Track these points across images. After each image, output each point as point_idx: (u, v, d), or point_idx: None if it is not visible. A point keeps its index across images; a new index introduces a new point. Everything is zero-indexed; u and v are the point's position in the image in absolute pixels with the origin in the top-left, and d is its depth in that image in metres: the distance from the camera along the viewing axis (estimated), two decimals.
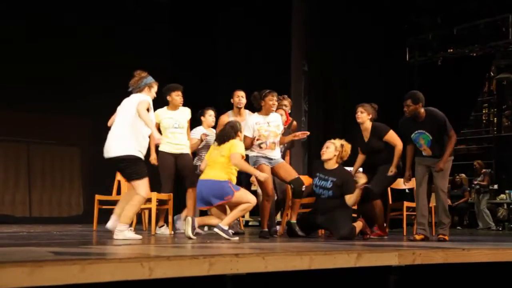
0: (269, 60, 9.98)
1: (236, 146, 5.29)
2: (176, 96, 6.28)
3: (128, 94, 5.25)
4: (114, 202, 6.82)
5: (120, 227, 4.94)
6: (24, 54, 9.25)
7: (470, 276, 4.22)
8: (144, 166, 5.05)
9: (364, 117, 6.37)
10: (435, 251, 4.00)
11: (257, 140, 5.77)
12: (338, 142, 5.96)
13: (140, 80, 5.18)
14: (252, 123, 5.83)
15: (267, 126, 5.81)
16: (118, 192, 6.67)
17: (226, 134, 5.38)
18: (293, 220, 5.96)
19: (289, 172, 5.86)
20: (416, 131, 5.69)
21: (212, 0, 10.82)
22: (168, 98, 6.31)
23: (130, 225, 5.65)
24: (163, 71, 10.65)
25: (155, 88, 5.26)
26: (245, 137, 5.71)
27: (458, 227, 11.43)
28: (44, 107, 9.45)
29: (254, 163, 5.78)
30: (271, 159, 5.83)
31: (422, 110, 5.65)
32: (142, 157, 5.05)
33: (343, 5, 10.24)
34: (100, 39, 9.84)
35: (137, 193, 4.95)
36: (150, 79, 5.21)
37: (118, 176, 6.65)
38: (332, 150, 5.89)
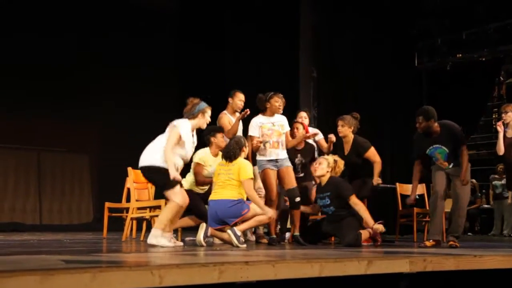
0: (277, 67, 9.98)
1: (245, 170, 5.29)
2: (222, 138, 6.06)
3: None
4: (124, 210, 6.87)
5: (154, 232, 4.97)
6: (35, 65, 9.34)
7: (482, 283, 4.18)
8: None
9: (346, 130, 6.23)
10: (447, 258, 3.97)
11: (260, 139, 5.80)
12: (331, 158, 5.93)
13: (193, 107, 5.18)
14: (256, 123, 5.88)
15: (271, 125, 5.86)
16: (128, 200, 6.68)
17: (232, 150, 5.40)
18: (296, 233, 5.93)
19: (289, 180, 5.84)
20: (431, 146, 5.63)
21: (219, 10, 10.85)
22: (213, 139, 6.03)
23: (175, 233, 5.72)
24: (171, 81, 10.75)
25: (209, 113, 5.25)
26: (251, 137, 5.75)
27: (469, 233, 11.36)
28: (54, 115, 9.53)
29: (260, 168, 5.84)
30: (276, 160, 5.83)
31: (436, 124, 5.57)
32: None
33: (351, 11, 10.24)
34: (109, 49, 9.93)
35: (173, 201, 4.99)
36: (203, 105, 5.21)
37: (128, 184, 6.67)
38: (325, 166, 5.86)
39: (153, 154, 5.03)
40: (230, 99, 6.44)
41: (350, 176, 6.20)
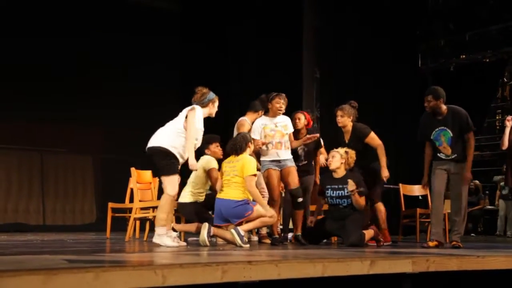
0: (280, 68, 9.99)
1: (248, 166, 5.30)
2: (216, 148, 6.09)
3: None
4: (127, 210, 6.88)
5: (158, 231, 4.99)
6: (37, 66, 9.36)
7: (485, 284, 4.18)
8: (175, 165, 5.01)
9: (345, 120, 6.22)
10: (449, 258, 3.97)
11: (264, 141, 5.82)
12: (341, 150, 5.94)
13: (202, 96, 5.23)
14: (258, 125, 5.88)
15: (273, 126, 5.86)
16: (131, 200, 6.69)
17: (238, 144, 5.42)
18: (298, 233, 5.94)
19: (293, 181, 5.83)
20: (437, 128, 5.61)
21: (222, 10, 10.85)
22: (207, 151, 6.05)
23: (179, 234, 5.74)
24: (174, 81, 10.75)
25: (217, 103, 5.31)
26: (253, 140, 5.75)
27: (472, 234, 11.33)
28: (57, 116, 9.54)
29: (263, 168, 5.86)
30: (279, 161, 5.84)
31: (444, 106, 5.57)
32: (178, 157, 5.03)
33: (354, 12, 10.24)
34: (111, 50, 9.94)
35: (164, 193, 4.99)
36: (212, 95, 5.27)
37: (131, 184, 6.68)
38: (338, 158, 5.86)
39: (162, 137, 5.04)
40: (261, 112, 6.34)
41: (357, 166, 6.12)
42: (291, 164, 5.90)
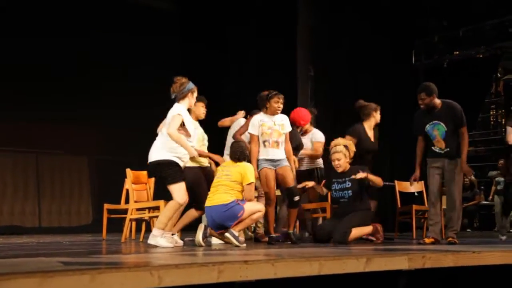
0: (275, 66, 9.98)
1: (250, 175, 5.36)
2: (201, 107, 6.09)
3: (171, 101, 5.27)
4: (123, 211, 6.86)
5: (154, 232, 5.00)
6: (33, 66, 9.32)
7: (481, 279, 4.19)
8: (179, 172, 5.05)
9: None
10: (445, 255, 3.98)
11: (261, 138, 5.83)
12: (341, 147, 5.96)
13: (181, 86, 5.22)
14: (257, 120, 5.86)
15: (271, 124, 5.83)
16: (127, 201, 6.67)
17: (245, 153, 5.49)
18: (290, 230, 5.92)
19: (287, 180, 5.81)
20: (431, 122, 5.63)
21: (223, 11, 10.83)
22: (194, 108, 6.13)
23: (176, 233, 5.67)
24: (171, 81, 10.71)
25: (196, 93, 5.31)
26: (251, 135, 5.77)
27: (468, 230, 11.36)
28: (52, 117, 9.50)
29: (258, 167, 5.82)
30: (275, 160, 5.82)
31: (438, 101, 5.61)
32: (179, 163, 5.07)
33: (349, 9, 10.24)
34: (108, 50, 9.91)
35: (173, 199, 5.01)
36: (191, 85, 5.26)
37: (127, 185, 6.66)
38: (343, 159, 5.94)
39: (160, 150, 5.05)
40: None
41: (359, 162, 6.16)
42: (286, 163, 5.88)
